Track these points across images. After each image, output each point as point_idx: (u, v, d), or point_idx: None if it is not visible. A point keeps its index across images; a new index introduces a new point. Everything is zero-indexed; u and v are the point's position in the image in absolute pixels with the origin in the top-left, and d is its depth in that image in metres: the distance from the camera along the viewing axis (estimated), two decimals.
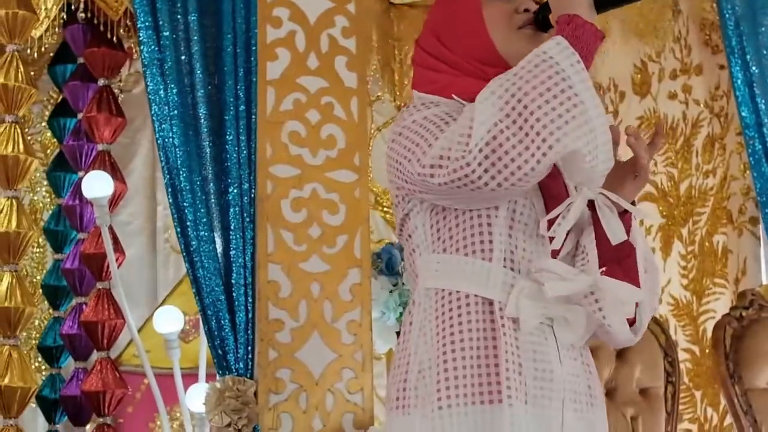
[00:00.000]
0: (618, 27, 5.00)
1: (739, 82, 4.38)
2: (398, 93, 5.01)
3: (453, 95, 2.04)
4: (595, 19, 1.91)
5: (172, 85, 3.39)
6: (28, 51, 4.27)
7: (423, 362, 1.95)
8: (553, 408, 1.92)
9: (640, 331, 2.09)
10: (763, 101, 4.37)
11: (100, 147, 4.11)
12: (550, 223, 1.94)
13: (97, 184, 3.68)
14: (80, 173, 4.21)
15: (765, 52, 4.43)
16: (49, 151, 4.71)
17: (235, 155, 3.43)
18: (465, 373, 1.89)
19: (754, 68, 4.38)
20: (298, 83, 3.57)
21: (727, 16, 4.42)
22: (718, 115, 5.07)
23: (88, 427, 4.12)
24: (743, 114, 4.37)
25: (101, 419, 3.96)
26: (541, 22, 2.05)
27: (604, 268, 1.97)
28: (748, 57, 4.38)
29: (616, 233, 1.93)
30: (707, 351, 4.95)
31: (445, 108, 2.00)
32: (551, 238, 1.94)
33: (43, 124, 4.66)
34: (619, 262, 2.02)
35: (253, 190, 3.44)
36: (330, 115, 3.59)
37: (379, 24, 4.73)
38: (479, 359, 1.89)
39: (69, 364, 4.42)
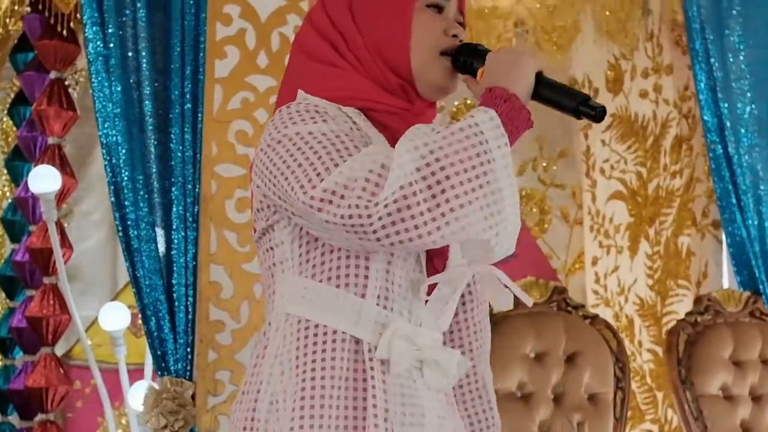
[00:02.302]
0: (590, 25, 4.98)
1: (702, 85, 4.37)
2: None
3: (348, 104, 1.88)
4: (529, 105, 1.81)
5: (117, 82, 3.37)
6: None
7: (276, 393, 1.79)
8: None
9: None
10: (726, 106, 4.35)
11: (50, 140, 4.08)
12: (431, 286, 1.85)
13: (44, 179, 3.66)
14: (33, 165, 4.18)
15: (730, 56, 4.41)
16: (10, 140, 4.67)
17: (179, 154, 3.41)
18: (327, 413, 1.75)
19: (717, 72, 4.36)
20: (247, 82, 3.56)
21: (692, 19, 4.41)
22: (686, 116, 5.04)
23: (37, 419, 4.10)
24: (705, 118, 4.36)
25: (44, 416, 3.93)
26: (461, 65, 1.90)
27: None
28: (713, 60, 4.36)
29: (503, 304, 1.86)
30: None
31: (338, 124, 1.80)
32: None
33: (5, 111, 4.63)
34: None
35: (197, 190, 3.42)
36: None
37: None
38: (346, 400, 1.76)
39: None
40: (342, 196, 1.68)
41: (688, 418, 3.92)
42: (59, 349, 4.18)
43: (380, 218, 1.66)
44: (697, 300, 4.23)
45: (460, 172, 1.68)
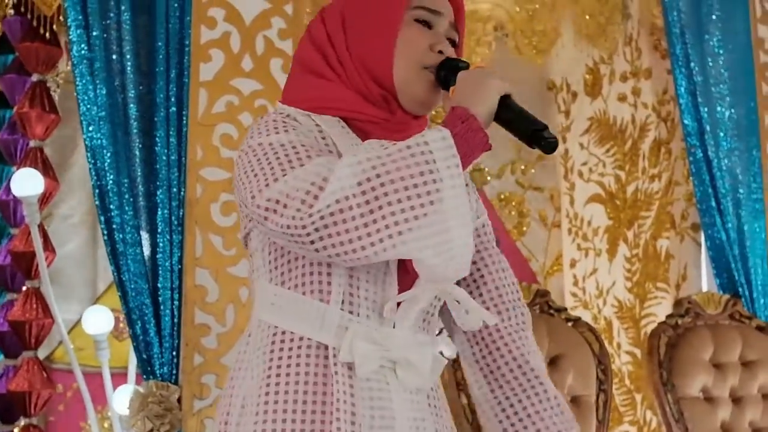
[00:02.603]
0: (569, 28, 5.00)
1: (682, 89, 4.39)
2: None
3: (328, 113, 1.91)
4: (489, 127, 1.79)
5: (101, 85, 3.35)
6: None
7: (247, 397, 1.82)
8: None
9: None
10: (706, 110, 4.38)
11: (32, 143, 4.05)
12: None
13: (27, 182, 3.64)
14: (15, 168, 4.15)
15: (710, 60, 4.45)
16: None
17: (164, 157, 3.39)
18: (290, 417, 1.76)
19: (698, 77, 4.39)
20: (232, 85, 3.55)
21: (672, 23, 4.43)
22: (665, 119, 5.08)
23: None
24: (686, 122, 4.39)
25: (27, 420, 3.91)
26: (442, 80, 1.90)
27: None
28: (693, 65, 4.39)
29: (470, 323, 1.85)
30: None
31: (301, 133, 1.83)
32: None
33: None
34: None
35: (182, 193, 3.41)
36: None
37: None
38: (313, 404, 1.77)
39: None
40: (285, 206, 1.70)
41: (670, 420, 3.94)
42: (40, 353, 4.16)
43: (316, 229, 1.69)
44: (678, 303, 4.25)
45: (400, 190, 1.67)
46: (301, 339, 1.81)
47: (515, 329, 2.01)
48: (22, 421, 3.93)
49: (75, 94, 3.35)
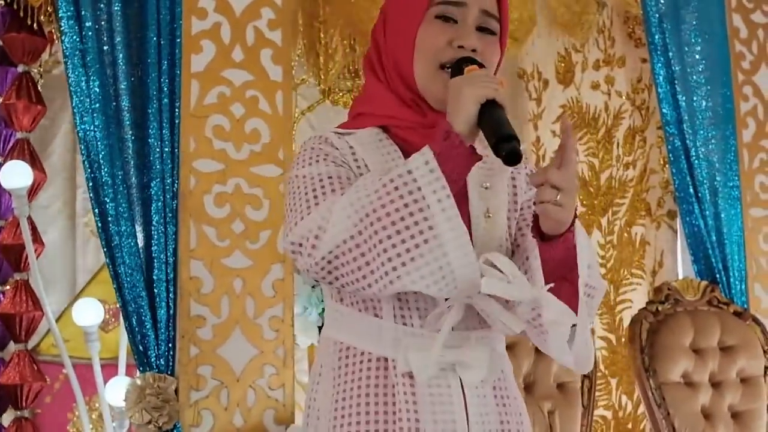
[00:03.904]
0: (543, 16, 5.02)
1: (660, 78, 4.44)
2: (323, 77, 4.96)
3: (370, 124, 1.96)
4: (476, 136, 1.75)
5: (94, 77, 3.31)
6: None
7: (321, 410, 1.92)
8: None
9: (582, 360, 1.92)
10: (684, 98, 4.44)
11: (19, 135, 4.01)
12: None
13: (15, 174, 3.60)
14: (3, 159, 4.11)
15: (687, 49, 4.50)
16: None
17: (157, 149, 3.37)
18: (356, 429, 1.85)
19: (675, 66, 4.44)
20: (223, 76, 3.54)
21: (650, 12, 4.47)
22: (640, 108, 5.13)
23: (5, 418, 4.04)
24: (664, 110, 4.44)
25: (18, 412, 3.89)
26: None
27: (551, 284, 1.80)
28: (671, 54, 4.44)
29: (511, 325, 1.83)
30: (623, 340, 5.02)
31: (332, 162, 1.90)
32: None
33: None
34: (565, 277, 1.84)
35: (175, 185, 3.39)
36: (255, 108, 3.56)
37: (304, 7, 4.68)
38: (376, 414, 1.85)
39: None
40: (300, 252, 1.81)
41: (652, 405, 4.00)
42: None
43: (326, 271, 1.79)
44: (657, 289, 4.31)
45: (388, 226, 1.69)
46: (362, 354, 1.89)
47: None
48: (15, 414, 3.90)
49: (68, 86, 3.31)
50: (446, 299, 1.83)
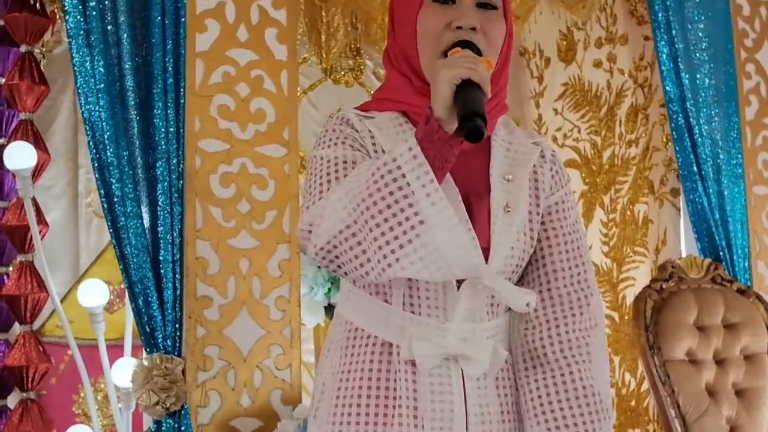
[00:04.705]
0: None
1: (664, 56, 4.42)
2: (324, 56, 4.95)
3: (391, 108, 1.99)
4: (453, 121, 1.74)
5: (99, 57, 3.29)
6: None
7: (326, 383, 1.98)
8: None
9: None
10: (687, 76, 4.42)
11: (22, 116, 3.99)
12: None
13: (19, 155, 3.57)
14: (1, 140, 4.09)
15: (690, 27, 4.48)
16: None
17: (163, 129, 3.36)
18: (356, 411, 1.89)
19: (679, 44, 4.42)
20: (228, 56, 3.53)
21: None
22: (642, 85, 5.11)
23: (10, 399, 4.03)
24: (667, 88, 4.42)
25: (24, 394, 3.88)
26: None
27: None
28: (674, 32, 4.42)
29: (517, 303, 1.85)
30: (626, 318, 5.03)
31: (349, 145, 1.93)
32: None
33: None
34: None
35: (181, 165, 3.38)
36: (260, 88, 3.55)
37: None
38: (369, 399, 1.89)
39: None
40: (309, 239, 1.84)
41: (657, 383, 4.01)
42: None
43: (327, 265, 1.84)
44: (661, 267, 4.31)
45: (376, 214, 1.72)
46: (369, 337, 1.93)
47: (555, 324, 1.98)
48: (21, 396, 3.90)
49: (72, 66, 3.29)
50: (458, 288, 1.87)
